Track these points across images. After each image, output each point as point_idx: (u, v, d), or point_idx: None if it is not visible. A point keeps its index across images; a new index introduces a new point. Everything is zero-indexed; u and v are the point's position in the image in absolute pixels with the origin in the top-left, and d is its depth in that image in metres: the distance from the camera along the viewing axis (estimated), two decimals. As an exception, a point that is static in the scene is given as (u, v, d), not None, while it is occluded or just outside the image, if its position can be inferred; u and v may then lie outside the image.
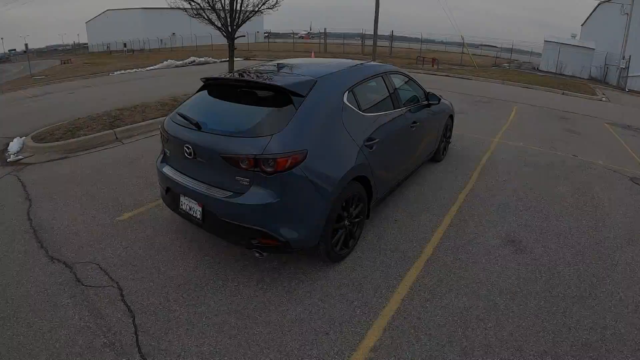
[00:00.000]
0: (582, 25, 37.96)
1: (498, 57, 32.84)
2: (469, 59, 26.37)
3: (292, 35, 42.88)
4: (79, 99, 10.37)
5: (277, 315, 2.43)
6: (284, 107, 2.51)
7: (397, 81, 3.85)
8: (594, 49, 23.74)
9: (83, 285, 2.68)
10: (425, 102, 4.23)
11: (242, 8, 8.68)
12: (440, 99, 4.49)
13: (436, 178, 4.93)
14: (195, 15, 8.88)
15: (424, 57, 24.52)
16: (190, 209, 2.69)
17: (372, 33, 21.69)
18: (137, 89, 11.68)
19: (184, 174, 2.75)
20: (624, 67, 20.84)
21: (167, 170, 2.90)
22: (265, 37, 48.01)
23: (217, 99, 2.90)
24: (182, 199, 2.74)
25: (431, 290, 2.75)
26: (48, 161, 5.27)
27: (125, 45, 39.93)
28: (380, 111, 3.25)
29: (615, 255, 3.46)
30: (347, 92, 2.85)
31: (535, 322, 2.51)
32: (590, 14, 31.91)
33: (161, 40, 43.67)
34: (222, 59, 22.97)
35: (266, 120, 2.50)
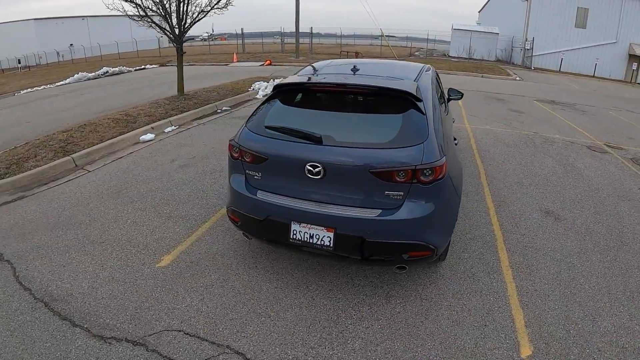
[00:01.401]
0: (479, 12, 44.27)
1: (412, 47, 36.51)
2: (389, 50, 28.76)
3: (201, 38, 41.35)
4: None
5: (433, 325, 2.62)
6: (406, 112, 2.59)
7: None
8: (498, 33, 28.02)
9: (183, 363, 2.30)
10: (447, 97, 4.77)
11: (191, 10, 8.28)
12: (463, 94, 5.07)
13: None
14: (140, 19, 8.17)
15: (347, 52, 26.08)
16: (311, 237, 2.52)
17: (291, 30, 22.28)
18: (62, 107, 10.08)
19: (298, 198, 2.59)
20: (528, 48, 25.07)
21: (264, 195, 2.67)
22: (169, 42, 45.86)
23: (312, 108, 2.86)
24: (296, 227, 2.56)
25: (526, 265, 3.32)
26: (1, 205, 4.46)
27: (19, 61, 35.15)
28: (444, 111, 3.63)
29: (618, 209, 4.52)
30: (434, 94, 3.14)
31: (606, 270, 3.31)
32: (488, 2, 37.40)
33: (58, 52, 39.38)
34: (136, 67, 21.34)
35: (402, 127, 2.55)
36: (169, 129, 7.13)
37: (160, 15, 8.03)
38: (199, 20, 8.47)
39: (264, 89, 11.18)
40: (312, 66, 3.56)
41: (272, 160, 2.62)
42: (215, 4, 8.41)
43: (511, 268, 3.25)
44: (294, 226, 2.57)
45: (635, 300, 2.94)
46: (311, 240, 2.54)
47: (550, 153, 6.49)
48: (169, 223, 3.89)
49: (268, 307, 2.75)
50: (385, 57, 27.11)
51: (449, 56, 30.19)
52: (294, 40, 27.68)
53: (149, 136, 6.54)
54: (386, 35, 41.79)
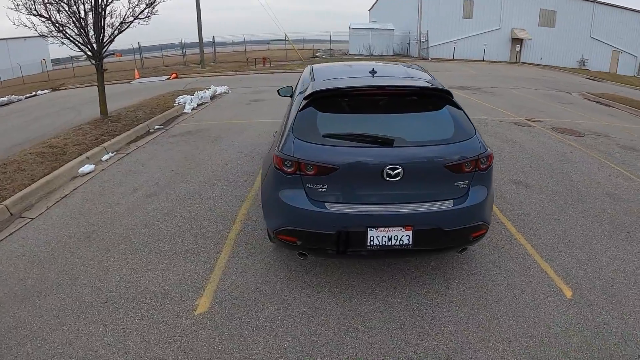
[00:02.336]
0: (369, 10, 47.82)
1: (313, 48, 38.02)
2: (295, 52, 29.62)
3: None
4: None
5: (495, 292, 3.03)
6: (448, 108, 2.88)
7: None
8: (393, 29, 30.72)
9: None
10: None
11: (110, 21, 7.37)
12: None
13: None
14: (51, 34, 6.97)
15: (255, 58, 26.17)
16: (389, 239, 2.62)
17: (192, 41, 21.45)
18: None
19: (373, 203, 2.66)
20: (424, 40, 28.01)
21: (335, 207, 2.64)
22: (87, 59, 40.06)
23: (357, 112, 2.90)
24: (373, 233, 2.61)
25: (528, 228, 4.01)
26: None
27: None
28: None
29: (565, 171, 5.53)
30: None
31: (583, 220, 4.21)
32: (377, 0, 40.66)
33: None
34: (27, 95, 18.24)
35: (455, 123, 2.82)
36: (107, 156, 6.36)
37: (75, 29, 7.03)
38: (120, 32, 7.64)
39: (189, 102, 10.66)
40: (322, 71, 3.58)
41: (344, 168, 2.61)
42: (138, 14, 7.68)
43: (519, 233, 3.87)
44: (371, 232, 2.62)
45: (614, 237, 3.85)
46: (389, 243, 2.63)
47: (489, 132, 7.49)
48: (177, 262, 3.50)
49: (350, 320, 2.75)
50: (291, 60, 27.80)
51: (349, 54, 32.01)
52: (195, 51, 26.55)
53: (89, 167, 5.76)
54: (280, 40, 42.79)
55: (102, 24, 7.29)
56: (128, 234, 4.00)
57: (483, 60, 29.09)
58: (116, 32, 7.57)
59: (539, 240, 3.74)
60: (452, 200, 2.70)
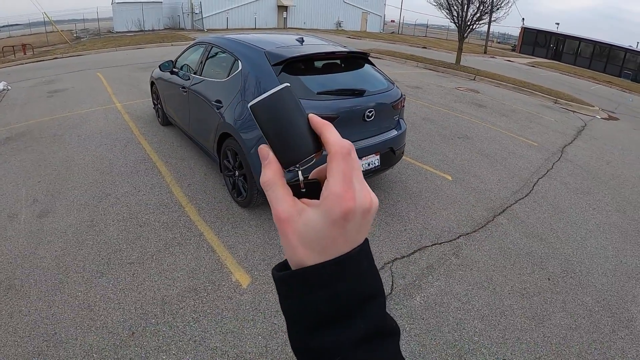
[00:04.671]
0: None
1: (75, 29, 31.56)
2: (60, 35, 24.25)
3: None
4: None
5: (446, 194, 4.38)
6: (370, 66, 3.94)
7: None
8: (161, 1, 28.59)
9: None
10: None
11: None
12: None
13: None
14: None
15: (13, 46, 19.99)
16: (369, 164, 3.61)
17: None
18: None
19: (358, 140, 3.50)
20: (197, 12, 27.31)
21: None
22: None
23: (318, 73, 3.56)
24: (360, 162, 3.42)
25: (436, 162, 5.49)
26: None
27: None
28: None
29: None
30: None
31: (423, 135, 6.38)
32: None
33: None
34: None
35: (382, 76, 3.94)
36: None
37: None
38: None
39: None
40: (260, 42, 3.86)
41: (342, 116, 3.32)
42: None
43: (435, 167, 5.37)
44: (360, 162, 3.42)
45: (447, 143, 6.10)
46: (369, 167, 3.63)
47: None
48: (167, 260, 3.23)
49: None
50: (55, 44, 22.24)
51: (116, 32, 28.26)
52: None
53: None
54: (14, 24, 33.58)
55: None
56: (65, 262, 3.16)
57: (255, 28, 31.06)
58: None
59: (410, 153, 5.52)
60: (394, 129, 3.91)
